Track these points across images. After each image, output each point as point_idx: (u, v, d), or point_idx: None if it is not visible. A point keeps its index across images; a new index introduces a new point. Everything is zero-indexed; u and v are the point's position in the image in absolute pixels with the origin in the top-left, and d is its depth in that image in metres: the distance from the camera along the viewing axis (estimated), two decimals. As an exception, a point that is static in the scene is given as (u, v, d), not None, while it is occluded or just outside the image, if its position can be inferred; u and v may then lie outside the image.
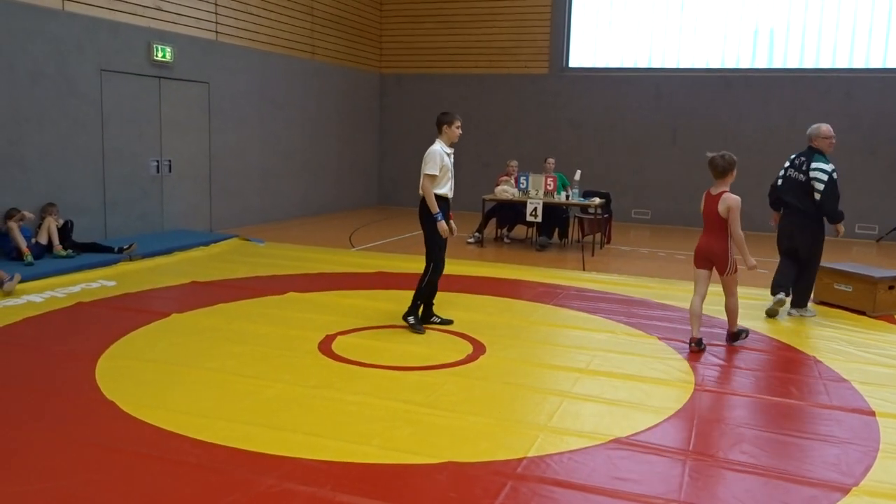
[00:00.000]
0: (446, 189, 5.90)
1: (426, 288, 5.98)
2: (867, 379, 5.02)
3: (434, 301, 6.15)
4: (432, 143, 5.90)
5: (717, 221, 5.52)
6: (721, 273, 5.60)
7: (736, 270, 5.61)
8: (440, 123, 5.95)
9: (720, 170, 5.54)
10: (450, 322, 6.11)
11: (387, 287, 7.56)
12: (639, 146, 14.27)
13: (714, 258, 5.59)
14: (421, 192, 5.85)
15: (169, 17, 10.20)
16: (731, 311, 5.77)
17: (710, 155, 5.67)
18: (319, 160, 14.07)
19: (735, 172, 5.57)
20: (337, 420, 4.03)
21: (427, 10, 15.54)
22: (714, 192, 5.59)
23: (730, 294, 5.71)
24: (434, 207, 5.77)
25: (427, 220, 5.88)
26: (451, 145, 5.97)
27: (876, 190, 12.56)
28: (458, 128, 5.93)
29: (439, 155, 5.80)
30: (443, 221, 5.80)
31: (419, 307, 6.00)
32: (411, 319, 5.94)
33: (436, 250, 5.94)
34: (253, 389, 4.45)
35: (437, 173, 5.78)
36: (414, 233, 11.96)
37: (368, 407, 4.22)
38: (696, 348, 5.56)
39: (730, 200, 5.44)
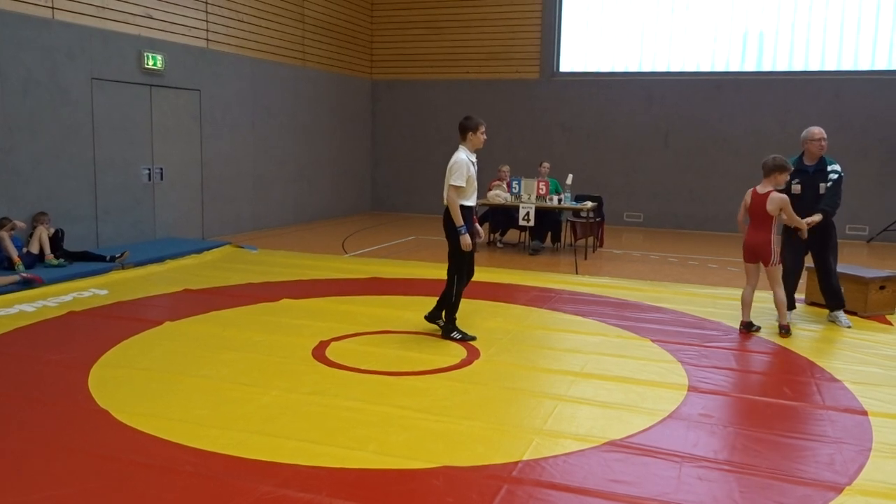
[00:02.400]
0: (472, 200, 5.68)
1: (457, 300, 5.80)
2: (859, 379, 5.05)
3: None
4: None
5: (763, 217, 6.00)
6: (766, 265, 6.11)
7: (780, 262, 6.13)
8: (465, 129, 5.67)
9: (766, 170, 6.02)
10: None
11: (380, 293, 7.56)
12: (630, 149, 14.32)
13: (759, 252, 6.10)
14: (445, 202, 5.63)
15: (159, 25, 10.19)
16: (780, 302, 6.17)
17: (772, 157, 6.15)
18: (312, 167, 14.07)
19: (782, 176, 6.00)
20: (332, 426, 4.02)
21: (417, 17, 15.58)
22: (761, 190, 6.04)
23: (776, 285, 6.14)
24: (459, 220, 5.53)
25: (452, 232, 5.66)
26: (475, 151, 5.76)
27: (866, 191, 12.64)
28: (483, 133, 5.69)
29: (466, 165, 5.54)
30: (466, 235, 5.57)
31: (455, 320, 5.85)
32: (456, 335, 5.79)
33: (461, 262, 5.74)
34: (247, 397, 4.44)
35: (464, 184, 5.54)
36: (406, 238, 11.98)
37: (363, 412, 4.21)
38: (745, 330, 6.20)
39: (777, 200, 5.96)
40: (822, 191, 6.48)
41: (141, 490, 3.26)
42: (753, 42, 13.71)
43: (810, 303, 7.32)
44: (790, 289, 6.70)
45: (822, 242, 6.58)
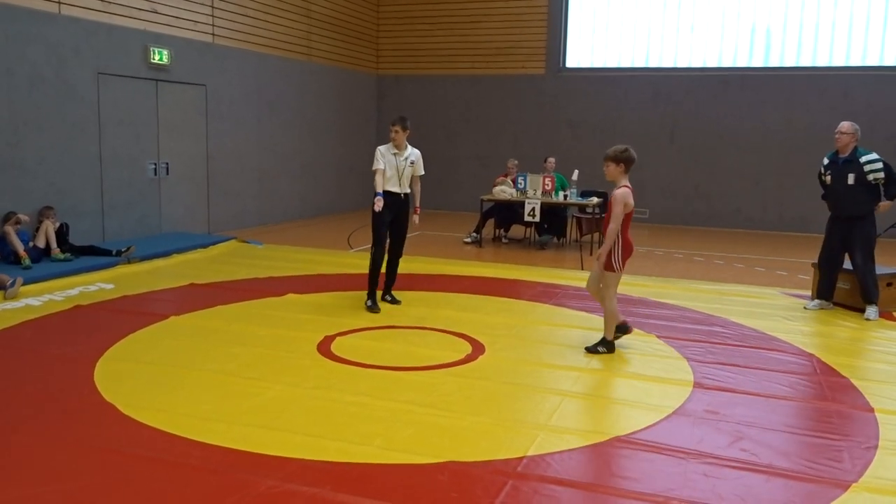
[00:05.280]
0: (393, 187, 6.56)
1: (372, 269, 6.63)
2: (866, 375, 5.03)
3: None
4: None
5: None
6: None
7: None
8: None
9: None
10: (398, 302, 6.82)
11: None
12: (636, 145, 13.87)
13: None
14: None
15: (165, 20, 10.19)
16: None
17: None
18: (317, 162, 14.07)
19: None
20: (337, 421, 4.03)
21: (423, 12, 15.55)
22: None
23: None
24: (378, 188, 6.45)
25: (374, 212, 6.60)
26: (397, 146, 6.58)
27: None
28: (392, 132, 6.55)
29: (379, 154, 6.56)
30: (379, 198, 6.40)
31: (374, 290, 6.67)
32: (368, 302, 6.63)
33: (376, 233, 6.60)
34: (252, 391, 4.44)
35: (381, 167, 6.49)
36: (411, 233, 11.94)
37: (368, 407, 4.22)
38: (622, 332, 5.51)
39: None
40: (850, 181, 6.63)
41: (146, 484, 3.27)
42: (761, 38, 13.64)
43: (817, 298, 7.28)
44: (832, 281, 6.92)
45: (846, 236, 6.74)
